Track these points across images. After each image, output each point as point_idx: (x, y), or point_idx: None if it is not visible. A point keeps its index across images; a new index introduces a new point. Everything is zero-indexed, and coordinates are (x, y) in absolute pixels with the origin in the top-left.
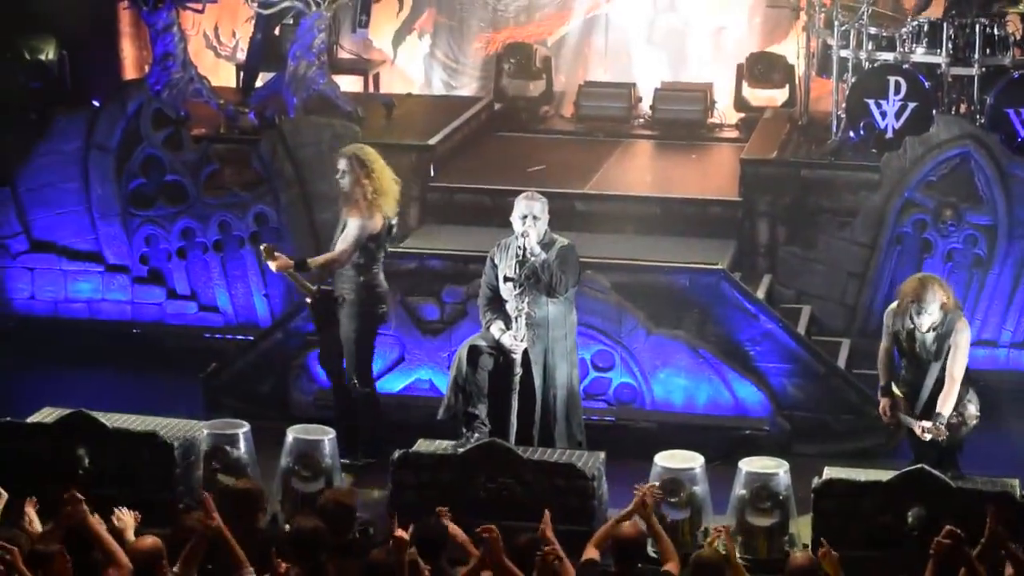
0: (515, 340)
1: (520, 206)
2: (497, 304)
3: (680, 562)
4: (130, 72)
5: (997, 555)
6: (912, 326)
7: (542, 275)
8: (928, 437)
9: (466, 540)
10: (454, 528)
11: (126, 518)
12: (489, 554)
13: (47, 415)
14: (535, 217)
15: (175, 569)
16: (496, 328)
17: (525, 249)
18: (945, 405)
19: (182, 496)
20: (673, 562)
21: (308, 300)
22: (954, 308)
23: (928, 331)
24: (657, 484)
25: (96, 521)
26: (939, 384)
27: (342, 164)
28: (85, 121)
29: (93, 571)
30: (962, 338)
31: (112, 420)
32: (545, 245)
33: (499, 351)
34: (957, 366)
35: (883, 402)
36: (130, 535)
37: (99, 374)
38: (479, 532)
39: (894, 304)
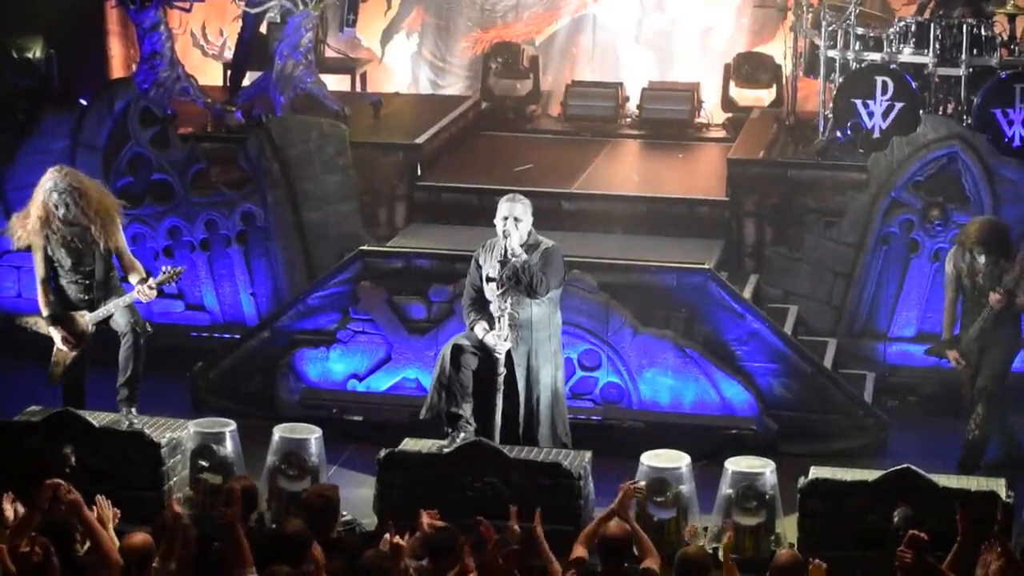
0: (498, 339)
1: (502, 207)
2: (481, 304)
3: (665, 562)
4: (117, 71)
5: (973, 556)
6: (971, 260)
7: (522, 276)
8: (995, 303)
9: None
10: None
11: (107, 510)
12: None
13: (34, 414)
14: (516, 219)
15: (155, 564)
16: (480, 328)
17: (507, 250)
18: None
19: (169, 494)
20: (652, 558)
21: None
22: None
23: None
24: (642, 483)
25: (90, 515)
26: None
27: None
28: (72, 120)
29: (74, 565)
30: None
31: (99, 419)
32: (530, 246)
33: (483, 350)
34: None
35: (951, 354)
36: (110, 528)
37: None
38: (474, 523)
39: (955, 247)
